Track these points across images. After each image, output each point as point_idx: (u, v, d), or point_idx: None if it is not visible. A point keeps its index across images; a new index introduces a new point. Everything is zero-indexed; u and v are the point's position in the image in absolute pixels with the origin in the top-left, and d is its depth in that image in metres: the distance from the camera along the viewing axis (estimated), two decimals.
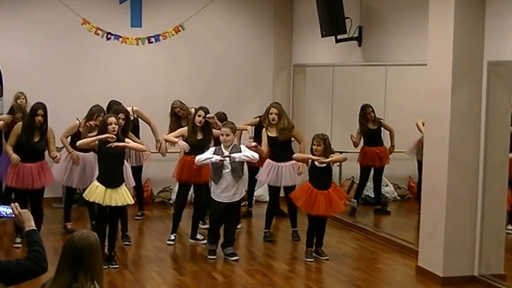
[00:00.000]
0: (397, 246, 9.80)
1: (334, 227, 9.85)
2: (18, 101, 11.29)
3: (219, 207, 9.01)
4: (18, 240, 9.39)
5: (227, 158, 8.90)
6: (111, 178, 8.54)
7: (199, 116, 9.76)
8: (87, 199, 8.69)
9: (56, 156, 9.63)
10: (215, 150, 9.02)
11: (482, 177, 8.18)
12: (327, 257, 9.16)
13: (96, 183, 8.56)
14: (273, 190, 10.22)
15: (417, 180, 10.76)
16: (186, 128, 9.99)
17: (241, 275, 8.50)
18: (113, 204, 8.52)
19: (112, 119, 8.60)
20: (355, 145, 11.24)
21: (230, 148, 8.98)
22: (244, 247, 9.51)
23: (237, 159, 8.91)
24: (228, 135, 8.97)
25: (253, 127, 11.18)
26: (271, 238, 10.11)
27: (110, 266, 8.52)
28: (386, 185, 12.17)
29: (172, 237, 9.92)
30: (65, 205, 10.60)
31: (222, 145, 9.03)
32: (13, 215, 4.72)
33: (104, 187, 8.47)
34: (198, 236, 9.95)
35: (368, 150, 11.27)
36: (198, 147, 9.68)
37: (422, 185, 8.83)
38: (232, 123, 9.30)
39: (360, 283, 8.31)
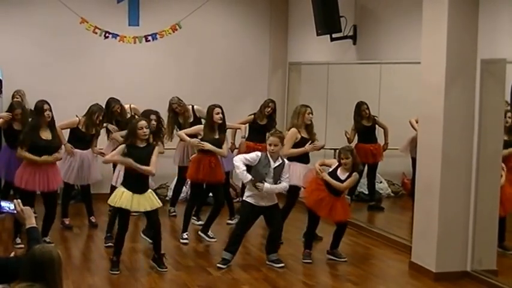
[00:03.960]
0: (391, 242, 9.90)
1: (328, 223, 9.89)
2: (14, 99, 11.34)
3: (250, 209, 8.67)
4: (19, 240, 9.19)
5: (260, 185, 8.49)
6: (137, 184, 8.32)
7: (218, 113, 9.66)
8: (113, 205, 8.45)
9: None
10: (261, 156, 8.60)
11: (475, 174, 8.26)
12: (345, 259, 9.03)
13: (121, 188, 8.35)
14: (295, 190, 9.74)
15: (411, 177, 10.85)
16: (202, 126, 9.92)
17: (235, 270, 8.58)
18: (142, 210, 8.35)
19: (143, 123, 8.35)
20: (350, 142, 11.29)
21: (277, 162, 8.57)
22: None
23: (270, 192, 8.60)
24: (276, 145, 8.54)
25: (247, 125, 11.26)
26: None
27: (159, 269, 8.44)
28: (380, 182, 12.24)
29: (186, 235, 9.86)
30: (62, 201, 10.63)
31: (268, 154, 8.61)
32: (15, 211, 4.79)
33: (130, 192, 8.26)
34: (210, 234, 9.98)
35: (362, 147, 11.34)
36: (215, 146, 9.71)
37: (415, 182, 8.92)
38: (281, 132, 9.04)
39: (354, 278, 8.39)
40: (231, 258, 8.72)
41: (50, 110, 9.30)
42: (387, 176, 12.36)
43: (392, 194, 12.48)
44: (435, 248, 8.32)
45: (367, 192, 11.85)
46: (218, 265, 8.63)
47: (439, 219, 8.28)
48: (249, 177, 8.53)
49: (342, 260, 9.03)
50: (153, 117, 9.46)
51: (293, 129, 9.75)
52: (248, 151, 9.84)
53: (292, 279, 8.41)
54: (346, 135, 11.24)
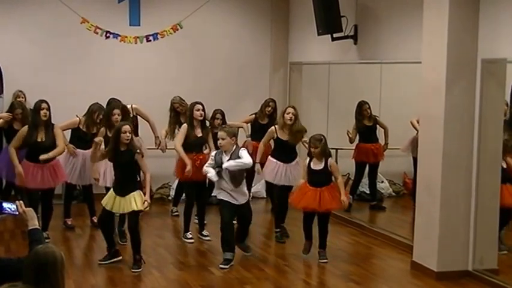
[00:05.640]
0: (392, 241, 9.90)
1: (330, 222, 9.96)
2: (18, 99, 11.36)
3: (227, 205, 8.70)
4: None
5: (222, 169, 8.57)
6: (120, 186, 8.43)
7: (198, 110, 9.68)
8: (103, 205, 8.56)
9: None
10: (216, 154, 8.72)
11: (476, 173, 8.26)
12: (326, 261, 8.93)
13: (111, 190, 8.57)
14: (284, 190, 9.93)
15: (412, 177, 10.86)
16: (185, 125, 9.89)
17: (237, 269, 8.59)
18: (120, 212, 8.55)
19: (126, 127, 8.40)
20: (351, 141, 11.33)
21: (230, 153, 8.55)
22: None
23: (230, 169, 8.54)
24: (223, 139, 8.56)
25: (249, 124, 11.34)
26: (282, 240, 9.93)
27: (133, 270, 8.46)
28: (382, 181, 12.27)
29: (190, 235, 9.89)
30: (64, 201, 10.66)
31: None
32: (17, 213, 4.80)
33: (114, 194, 8.44)
34: (204, 232, 10.01)
35: (363, 146, 11.38)
36: (198, 145, 9.74)
37: (417, 182, 8.93)
38: (230, 127, 9.00)
39: (355, 278, 8.39)
40: (232, 257, 8.74)
41: (48, 110, 9.34)
42: (388, 175, 12.38)
43: (393, 194, 12.51)
44: (436, 247, 8.32)
45: (368, 192, 11.86)
46: (221, 266, 8.63)
47: (440, 219, 8.29)
48: (213, 172, 8.62)
49: (322, 261, 8.95)
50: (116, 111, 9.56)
51: (272, 128, 9.91)
52: (254, 150, 10.19)
53: (294, 279, 8.42)
54: (348, 134, 11.24)
